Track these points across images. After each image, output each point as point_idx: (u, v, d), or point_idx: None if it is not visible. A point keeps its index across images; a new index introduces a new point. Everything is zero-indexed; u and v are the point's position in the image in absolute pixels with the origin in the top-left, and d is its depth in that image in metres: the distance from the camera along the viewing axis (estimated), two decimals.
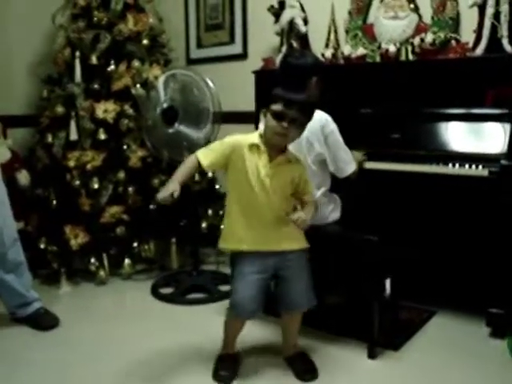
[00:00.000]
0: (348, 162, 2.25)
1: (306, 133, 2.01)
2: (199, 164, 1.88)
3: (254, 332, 2.33)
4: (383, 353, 2.19)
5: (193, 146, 2.80)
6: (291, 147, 1.97)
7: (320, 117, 2.17)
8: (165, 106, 2.85)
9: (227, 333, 2.05)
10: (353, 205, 2.41)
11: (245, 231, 1.89)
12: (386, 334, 2.26)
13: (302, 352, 2.12)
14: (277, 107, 1.82)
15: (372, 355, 2.16)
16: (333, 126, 2.20)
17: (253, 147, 1.88)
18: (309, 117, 1.88)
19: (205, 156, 1.89)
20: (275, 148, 1.89)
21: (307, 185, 1.97)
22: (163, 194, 1.77)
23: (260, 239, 1.90)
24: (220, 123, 2.88)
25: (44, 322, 2.49)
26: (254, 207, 1.88)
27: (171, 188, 1.77)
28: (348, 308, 2.59)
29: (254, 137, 1.91)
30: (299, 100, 1.82)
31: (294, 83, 1.96)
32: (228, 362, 2.05)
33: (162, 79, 2.91)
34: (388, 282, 2.28)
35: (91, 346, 2.32)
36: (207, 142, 2.75)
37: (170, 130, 2.84)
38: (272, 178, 1.87)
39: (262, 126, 1.97)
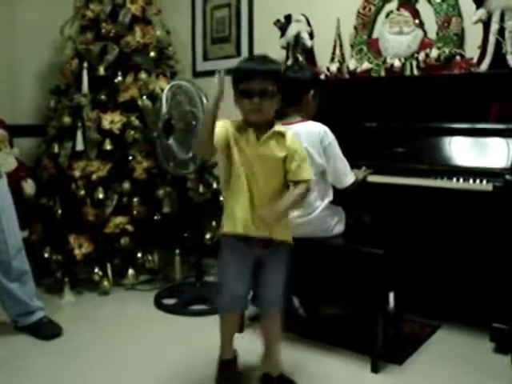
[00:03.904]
0: (347, 174, 2.27)
1: (305, 145, 2.03)
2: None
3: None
4: (387, 367, 2.18)
5: (181, 164, 2.85)
6: None
7: (319, 128, 2.20)
8: (166, 117, 2.88)
9: (223, 333, 2.01)
10: (357, 218, 2.42)
11: (241, 214, 1.83)
12: (389, 348, 2.25)
13: (286, 378, 2.02)
14: (242, 85, 1.78)
15: (375, 369, 2.15)
16: (331, 138, 2.22)
17: (240, 128, 1.83)
18: (278, 84, 1.80)
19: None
20: (260, 127, 1.82)
21: (300, 161, 1.84)
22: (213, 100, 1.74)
23: (252, 224, 1.83)
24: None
25: (47, 331, 2.49)
26: (244, 191, 1.82)
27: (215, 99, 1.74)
28: (351, 321, 2.58)
29: (240, 120, 1.86)
30: (264, 69, 1.78)
31: (254, 59, 1.93)
32: (228, 371, 2.03)
33: (165, 91, 2.93)
34: (392, 296, 2.27)
35: (93, 356, 2.31)
36: (195, 161, 2.78)
37: (169, 142, 2.87)
38: (263, 159, 1.81)
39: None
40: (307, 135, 2.16)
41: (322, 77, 3.01)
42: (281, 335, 2.04)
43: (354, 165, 2.41)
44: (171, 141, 2.87)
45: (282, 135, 1.84)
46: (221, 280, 1.97)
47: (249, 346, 2.15)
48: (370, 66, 2.93)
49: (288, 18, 3.18)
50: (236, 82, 1.82)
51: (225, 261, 1.94)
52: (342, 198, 2.33)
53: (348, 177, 2.27)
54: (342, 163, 2.25)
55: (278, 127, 1.85)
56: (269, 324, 2.01)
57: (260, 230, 1.82)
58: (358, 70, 2.94)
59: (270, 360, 2.02)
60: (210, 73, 3.82)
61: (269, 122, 1.85)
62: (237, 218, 1.84)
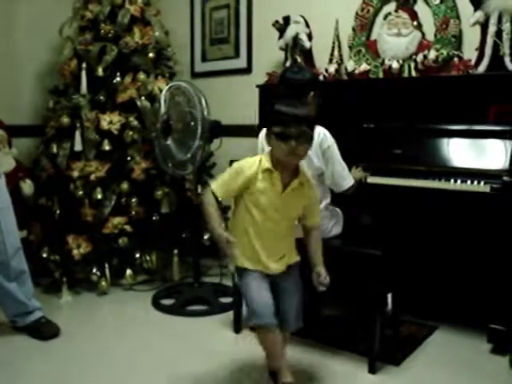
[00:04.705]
0: (345, 177, 2.27)
1: None
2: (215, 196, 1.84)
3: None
4: (384, 367, 2.19)
5: (179, 165, 2.85)
6: None
7: (318, 131, 2.20)
8: (164, 118, 2.88)
9: (267, 350, 1.92)
10: (355, 219, 2.42)
11: (259, 253, 1.86)
12: (387, 349, 2.26)
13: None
14: (279, 128, 1.77)
15: (373, 370, 2.15)
16: (331, 141, 2.22)
17: (265, 172, 1.82)
18: (312, 129, 1.82)
19: (219, 189, 1.84)
20: (287, 169, 1.84)
21: (315, 207, 1.96)
22: (225, 251, 1.77)
23: (268, 262, 1.87)
24: (209, 143, 2.88)
25: (45, 331, 2.49)
26: (264, 231, 1.85)
27: (223, 238, 1.75)
28: (349, 322, 2.59)
29: (264, 161, 1.84)
30: (301, 114, 1.77)
31: (291, 99, 1.92)
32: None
33: (164, 91, 2.94)
34: (389, 297, 2.28)
35: (91, 356, 2.31)
36: (193, 162, 2.77)
37: (168, 143, 2.87)
38: (285, 207, 1.85)
39: (266, 148, 1.94)
40: None
41: (321, 78, 3.02)
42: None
43: (352, 165, 2.42)
44: (170, 141, 2.88)
45: (303, 184, 1.88)
46: (248, 297, 1.89)
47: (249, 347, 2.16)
48: (368, 67, 2.94)
49: (286, 20, 3.18)
50: (272, 125, 1.81)
51: (247, 280, 1.90)
52: (341, 199, 2.33)
53: (346, 180, 2.27)
54: (341, 166, 2.25)
55: (304, 177, 1.89)
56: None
57: (279, 268, 1.89)
58: (356, 71, 2.95)
59: (284, 368, 1.96)
60: (209, 74, 3.85)
61: (294, 170, 1.87)
62: (253, 259, 1.87)
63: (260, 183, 1.82)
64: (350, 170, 2.35)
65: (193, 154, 2.78)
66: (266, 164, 1.83)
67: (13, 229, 2.47)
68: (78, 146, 3.11)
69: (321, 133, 2.20)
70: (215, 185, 1.86)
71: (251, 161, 1.86)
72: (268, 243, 1.87)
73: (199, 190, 3.21)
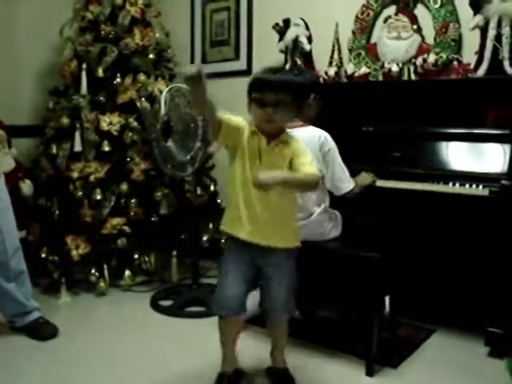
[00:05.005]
0: (344, 181, 2.27)
1: None
2: (219, 120, 1.79)
3: (254, 349, 2.33)
4: (381, 370, 2.19)
5: (179, 166, 2.84)
6: None
7: (319, 134, 2.21)
8: (164, 119, 2.88)
9: (223, 342, 2.01)
10: (353, 222, 2.43)
11: (245, 220, 1.85)
12: (384, 352, 2.26)
13: (288, 374, 2.07)
14: (256, 95, 1.80)
15: (370, 372, 2.15)
16: (332, 145, 2.22)
17: (254, 133, 1.84)
18: (294, 96, 1.82)
19: (223, 112, 1.82)
20: (270, 134, 1.84)
21: (303, 155, 1.87)
22: (190, 68, 1.67)
23: (255, 232, 1.85)
24: (209, 144, 2.87)
25: (43, 331, 2.49)
26: (253, 197, 1.83)
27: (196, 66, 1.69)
28: (347, 324, 2.59)
29: (251, 124, 1.86)
30: (277, 81, 1.79)
31: (275, 71, 1.92)
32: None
33: (164, 93, 2.94)
34: (387, 300, 2.28)
35: (89, 357, 2.31)
36: (193, 163, 2.78)
37: (168, 144, 2.87)
38: (269, 163, 1.82)
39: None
40: (307, 140, 2.15)
41: (320, 81, 3.02)
42: (286, 333, 2.06)
43: (356, 169, 2.42)
44: (170, 143, 2.88)
45: (288, 142, 1.87)
46: (218, 284, 1.98)
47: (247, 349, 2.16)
48: (367, 70, 2.95)
49: (287, 22, 3.19)
50: (250, 91, 1.83)
51: (224, 268, 1.95)
52: (339, 202, 2.34)
53: (345, 184, 2.27)
54: (341, 170, 2.25)
55: (286, 135, 1.88)
56: (275, 331, 2.06)
57: (261, 237, 1.85)
58: (356, 74, 2.96)
59: (276, 354, 2.08)
60: (209, 75, 3.84)
61: (279, 130, 1.87)
62: (239, 223, 1.86)
63: (249, 140, 1.83)
64: (355, 174, 2.35)
65: (193, 156, 2.79)
66: (253, 127, 1.85)
67: (12, 229, 2.47)
68: (78, 147, 3.12)
69: (322, 136, 2.20)
70: (224, 113, 1.82)
71: (241, 117, 1.87)
72: (256, 212, 1.83)
73: (198, 191, 3.22)
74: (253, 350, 2.28)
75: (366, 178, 2.45)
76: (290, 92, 1.81)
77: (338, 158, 2.25)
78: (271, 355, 2.10)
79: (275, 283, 1.92)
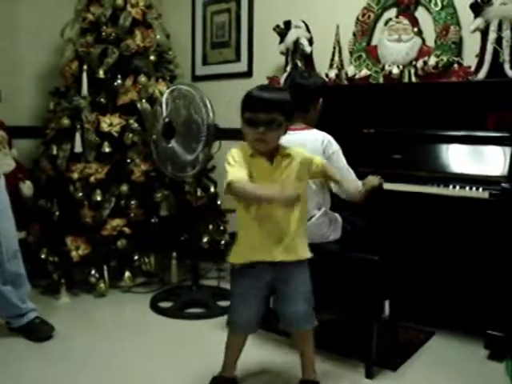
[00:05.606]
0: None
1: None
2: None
3: (254, 351, 2.32)
4: (381, 373, 2.19)
5: (183, 167, 2.84)
6: None
7: (322, 137, 2.19)
8: (166, 120, 2.88)
9: (227, 349, 2.01)
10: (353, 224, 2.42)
11: (259, 240, 1.82)
12: (384, 354, 2.26)
13: (316, 382, 2.02)
14: (247, 114, 1.75)
15: (370, 375, 2.15)
16: (336, 148, 2.21)
17: (252, 156, 1.81)
18: (286, 115, 1.78)
19: (238, 172, 1.76)
20: (265, 153, 1.81)
21: (317, 160, 1.91)
22: (290, 195, 1.71)
23: (267, 249, 1.83)
24: (212, 144, 2.87)
25: (39, 332, 2.47)
26: (266, 215, 1.81)
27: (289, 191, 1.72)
28: (346, 327, 2.59)
29: (247, 148, 1.83)
30: (271, 99, 1.74)
31: (268, 89, 1.90)
32: None
33: (165, 94, 2.94)
34: (387, 303, 2.28)
35: (88, 358, 2.31)
36: (195, 163, 2.78)
37: (169, 145, 2.88)
38: (279, 179, 1.80)
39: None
40: (311, 143, 2.14)
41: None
42: (312, 342, 2.00)
43: (356, 171, 2.41)
44: (173, 143, 2.87)
45: (291, 154, 1.84)
46: (232, 305, 1.96)
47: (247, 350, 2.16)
48: (368, 72, 2.95)
49: (287, 24, 3.20)
50: (243, 110, 1.79)
51: (237, 288, 1.93)
52: (339, 204, 2.33)
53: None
54: (347, 171, 2.22)
55: (283, 148, 1.85)
56: (300, 339, 2.00)
57: (272, 254, 1.82)
58: (357, 76, 2.96)
59: (305, 365, 2.01)
60: (210, 77, 3.86)
61: (275, 148, 1.83)
62: (253, 245, 1.84)
63: (253, 164, 1.80)
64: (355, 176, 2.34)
65: (196, 157, 2.78)
66: (249, 151, 1.81)
67: (11, 231, 2.45)
68: (78, 148, 3.12)
69: (325, 139, 2.19)
70: (232, 175, 1.75)
71: (236, 150, 1.83)
72: (266, 224, 1.81)
73: (199, 193, 3.22)
74: (255, 353, 2.28)
75: (373, 179, 2.43)
76: (283, 111, 1.76)
77: (343, 161, 2.22)
78: (303, 369, 2.03)
79: (288, 301, 1.90)
